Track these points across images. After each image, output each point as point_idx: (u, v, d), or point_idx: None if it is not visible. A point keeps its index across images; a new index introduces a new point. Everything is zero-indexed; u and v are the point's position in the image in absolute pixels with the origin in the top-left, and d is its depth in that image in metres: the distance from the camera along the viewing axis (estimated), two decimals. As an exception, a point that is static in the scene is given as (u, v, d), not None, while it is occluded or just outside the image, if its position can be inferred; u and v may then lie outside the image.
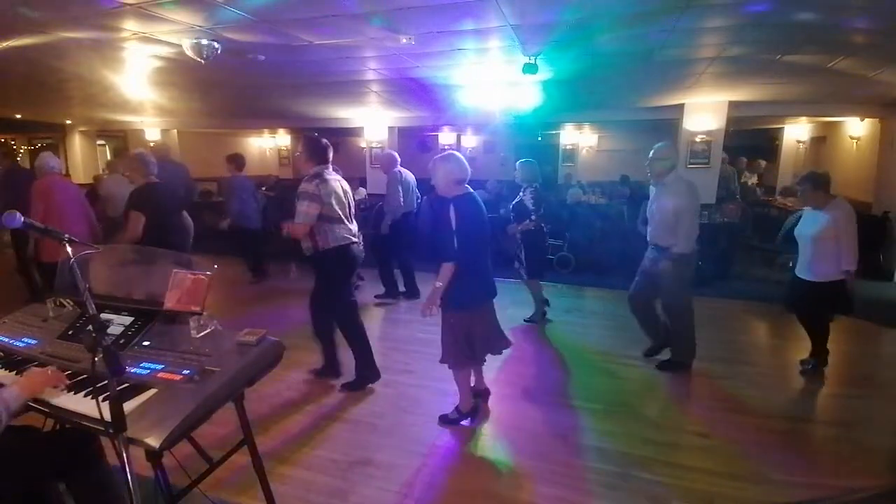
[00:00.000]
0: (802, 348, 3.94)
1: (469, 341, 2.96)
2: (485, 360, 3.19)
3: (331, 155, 3.41)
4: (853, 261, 3.40)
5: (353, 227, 3.43)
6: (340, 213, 3.29)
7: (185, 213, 4.51)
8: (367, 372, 3.51)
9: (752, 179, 9.30)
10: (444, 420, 3.05)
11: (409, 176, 5.51)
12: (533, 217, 4.54)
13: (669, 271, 3.62)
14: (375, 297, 5.64)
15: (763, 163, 9.44)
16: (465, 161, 2.90)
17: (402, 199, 5.35)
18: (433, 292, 2.83)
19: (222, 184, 7.96)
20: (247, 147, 14.28)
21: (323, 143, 3.40)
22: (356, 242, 3.44)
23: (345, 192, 3.40)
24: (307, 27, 3.85)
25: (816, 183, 3.54)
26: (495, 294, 3.06)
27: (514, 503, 2.38)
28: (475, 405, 3.10)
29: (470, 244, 2.81)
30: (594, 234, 7.11)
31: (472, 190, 2.95)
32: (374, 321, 5.14)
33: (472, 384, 3.19)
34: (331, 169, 3.38)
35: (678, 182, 3.59)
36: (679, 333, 3.80)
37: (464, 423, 3.05)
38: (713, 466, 2.63)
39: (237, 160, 6.17)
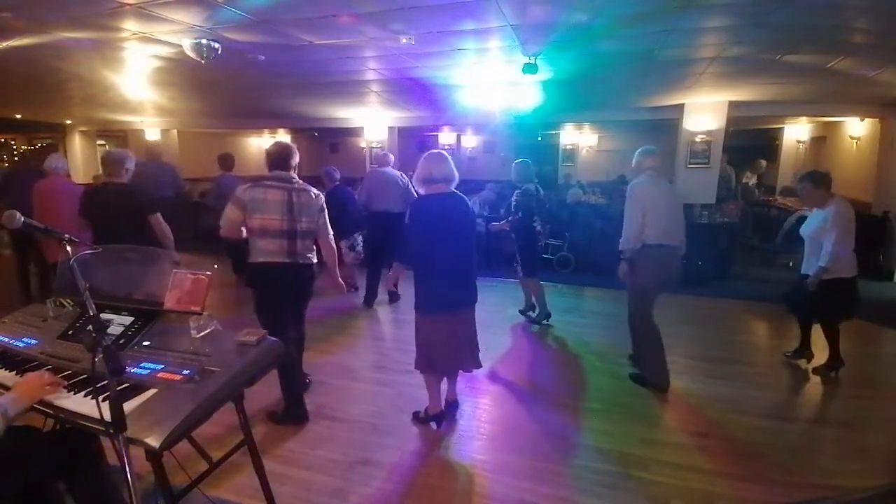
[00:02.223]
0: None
1: (429, 349, 2.88)
2: (450, 373, 3.07)
3: (284, 162, 2.98)
4: (830, 259, 3.42)
5: (284, 244, 2.91)
6: (268, 226, 2.88)
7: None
8: (296, 410, 3.05)
9: (752, 179, 9.29)
10: (416, 417, 3.06)
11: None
12: (509, 218, 4.61)
13: (626, 276, 3.55)
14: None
15: (763, 162, 9.45)
16: (440, 161, 2.80)
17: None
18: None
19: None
20: (247, 147, 14.28)
21: (277, 149, 3.02)
22: (283, 263, 2.92)
23: (288, 202, 2.90)
24: (307, 27, 3.85)
25: (816, 181, 3.57)
26: (461, 305, 2.87)
27: (514, 503, 2.38)
28: (441, 412, 3.01)
29: (424, 247, 2.76)
30: (594, 234, 7.12)
31: (447, 191, 2.81)
32: (374, 321, 5.15)
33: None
34: (285, 175, 2.97)
35: (630, 186, 3.57)
36: (642, 351, 3.66)
37: (431, 424, 3.00)
38: (713, 466, 2.62)
39: (221, 159, 6.22)
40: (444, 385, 3.12)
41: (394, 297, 5.50)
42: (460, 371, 3.14)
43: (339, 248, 5.60)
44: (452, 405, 3.17)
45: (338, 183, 5.85)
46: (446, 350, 2.89)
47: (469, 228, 2.92)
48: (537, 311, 4.94)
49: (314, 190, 3.08)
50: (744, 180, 8.96)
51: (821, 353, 3.82)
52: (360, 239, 5.92)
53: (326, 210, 3.11)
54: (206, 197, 6.37)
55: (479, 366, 3.07)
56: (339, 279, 3.28)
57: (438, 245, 2.76)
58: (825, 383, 3.68)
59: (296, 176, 3.05)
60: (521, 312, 5.07)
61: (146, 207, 3.58)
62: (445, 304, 2.84)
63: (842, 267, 3.50)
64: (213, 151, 6.28)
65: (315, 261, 3.12)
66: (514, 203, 4.62)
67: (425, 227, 2.76)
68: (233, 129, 12.65)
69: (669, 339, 4.39)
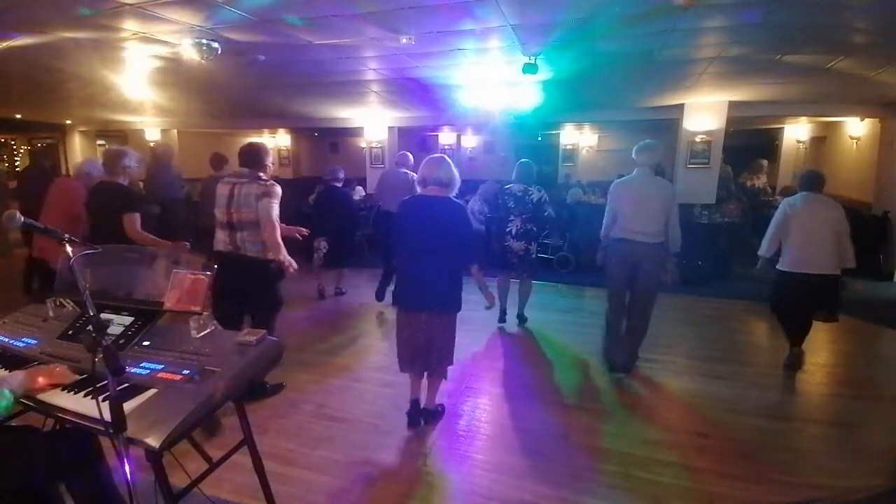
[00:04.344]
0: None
1: (398, 343, 3.00)
2: (415, 373, 3.04)
3: (246, 160, 3.23)
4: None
5: (227, 235, 3.16)
6: (218, 217, 3.21)
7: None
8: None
9: (755, 180, 9.13)
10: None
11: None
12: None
13: (602, 262, 4.02)
14: None
15: (764, 162, 9.40)
16: (433, 165, 2.87)
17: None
18: None
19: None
20: (247, 147, 14.26)
21: (241, 149, 3.27)
22: (225, 253, 3.17)
23: (230, 195, 3.13)
24: (307, 27, 3.85)
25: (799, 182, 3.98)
26: (427, 307, 2.87)
27: (514, 503, 2.38)
28: (415, 398, 3.06)
29: (401, 247, 2.96)
30: (594, 234, 7.11)
31: (436, 195, 2.86)
32: (374, 321, 5.14)
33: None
34: (242, 171, 3.23)
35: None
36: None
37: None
38: (713, 466, 2.63)
39: (212, 159, 6.18)
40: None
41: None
42: (440, 377, 3.07)
43: (314, 248, 5.60)
44: (430, 412, 3.07)
45: (338, 183, 5.85)
46: (407, 347, 2.96)
47: (450, 234, 2.82)
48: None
49: (263, 181, 3.15)
50: (751, 182, 8.83)
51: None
52: (323, 243, 5.73)
53: (275, 200, 3.12)
54: (200, 196, 6.46)
55: (439, 376, 3.02)
56: (281, 257, 3.17)
57: (413, 246, 2.89)
58: (822, 383, 3.69)
59: (263, 174, 3.22)
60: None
61: (121, 207, 3.35)
62: (410, 302, 2.94)
63: (783, 259, 3.79)
64: (212, 152, 6.28)
65: (270, 258, 3.15)
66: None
67: (404, 226, 2.92)
68: (233, 129, 12.63)
69: (669, 339, 4.43)
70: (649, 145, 3.65)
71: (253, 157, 3.23)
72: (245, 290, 3.20)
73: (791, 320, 3.92)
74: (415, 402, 3.05)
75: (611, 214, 3.80)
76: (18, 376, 1.52)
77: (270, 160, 3.31)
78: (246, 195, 3.11)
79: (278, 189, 3.17)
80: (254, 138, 14.90)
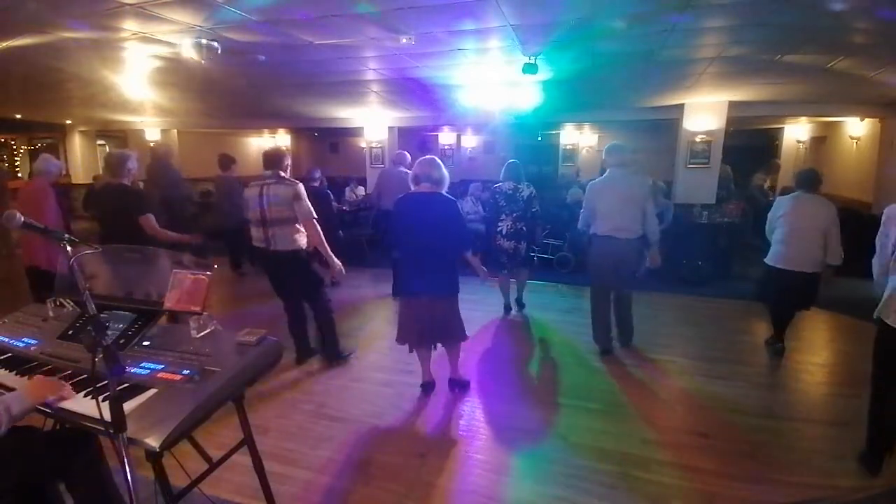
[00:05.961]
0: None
1: (401, 327, 3.32)
2: (424, 350, 3.38)
3: (270, 163, 3.57)
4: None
5: (261, 232, 3.56)
6: (251, 216, 3.59)
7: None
8: (329, 351, 3.95)
9: (768, 181, 9.08)
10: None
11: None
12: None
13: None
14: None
15: (779, 162, 9.34)
16: (426, 165, 3.13)
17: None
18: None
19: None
20: (247, 147, 14.28)
21: (265, 154, 3.65)
22: (260, 248, 3.61)
23: (262, 196, 3.49)
24: (307, 27, 3.85)
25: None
26: (427, 294, 3.16)
27: (514, 503, 2.38)
28: (426, 382, 3.43)
29: (400, 240, 3.21)
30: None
31: (430, 191, 3.10)
32: (375, 320, 5.14)
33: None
34: (266, 174, 3.56)
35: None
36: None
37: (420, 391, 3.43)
38: (713, 466, 2.63)
39: (219, 160, 6.48)
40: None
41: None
42: (458, 354, 3.45)
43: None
44: (458, 382, 3.44)
45: (315, 184, 5.98)
46: (414, 328, 3.25)
47: (444, 227, 3.08)
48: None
49: (289, 182, 3.54)
50: (761, 183, 8.82)
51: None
52: None
53: (305, 198, 3.51)
54: (212, 196, 6.66)
55: (456, 340, 3.36)
56: (332, 259, 3.62)
57: (410, 238, 3.13)
58: (822, 382, 3.69)
59: (283, 173, 3.58)
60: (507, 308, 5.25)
61: (136, 209, 3.70)
62: (411, 290, 3.24)
63: (769, 253, 3.93)
64: (213, 151, 6.37)
65: (299, 247, 3.57)
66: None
67: (401, 220, 3.15)
68: (233, 129, 12.65)
69: (669, 338, 4.43)
70: (618, 147, 4.01)
71: (274, 159, 3.59)
72: (287, 280, 3.71)
73: (773, 311, 4.11)
74: (428, 384, 3.42)
75: (588, 213, 4.04)
76: (16, 395, 1.47)
77: (288, 161, 3.67)
78: (275, 195, 3.48)
79: (301, 185, 3.54)
80: (254, 138, 14.99)
